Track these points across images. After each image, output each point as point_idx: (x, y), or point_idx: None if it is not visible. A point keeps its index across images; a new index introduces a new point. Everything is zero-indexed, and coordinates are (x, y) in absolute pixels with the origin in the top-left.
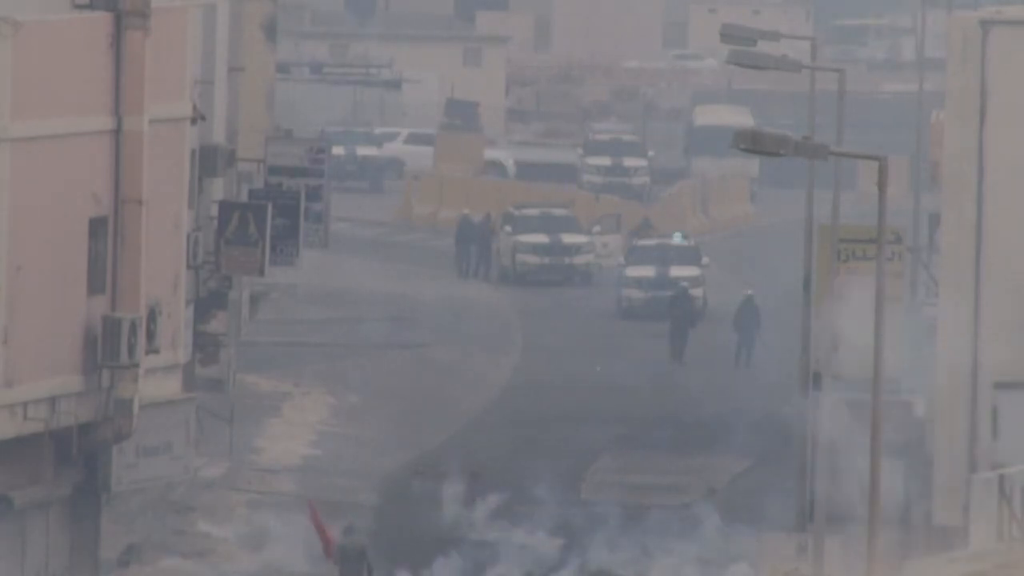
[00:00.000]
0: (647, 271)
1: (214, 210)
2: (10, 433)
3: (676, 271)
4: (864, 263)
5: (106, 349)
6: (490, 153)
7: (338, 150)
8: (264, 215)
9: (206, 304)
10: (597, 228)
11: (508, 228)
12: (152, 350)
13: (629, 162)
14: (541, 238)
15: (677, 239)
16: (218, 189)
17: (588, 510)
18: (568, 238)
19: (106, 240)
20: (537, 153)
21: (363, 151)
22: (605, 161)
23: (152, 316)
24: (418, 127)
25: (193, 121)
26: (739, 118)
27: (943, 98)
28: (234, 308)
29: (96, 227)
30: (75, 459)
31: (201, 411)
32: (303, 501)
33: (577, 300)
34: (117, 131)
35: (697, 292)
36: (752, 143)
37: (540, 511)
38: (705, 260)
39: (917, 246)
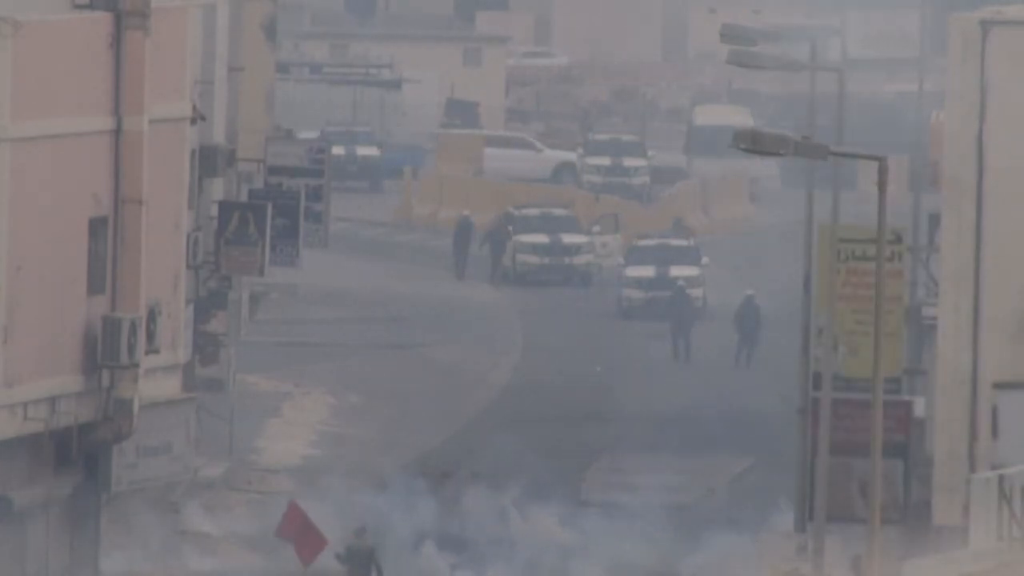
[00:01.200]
0: (647, 271)
1: (214, 210)
2: (10, 433)
3: (676, 271)
4: (864, 263)
5: (106, 349)
6: (563, 155)
7: (338, 150)
8: (264, 215)
9: (206, 304)
10: (597, 228)
11: (508, 228)
12: (152, 350)
13: (629, 162)
14: (541, 238)
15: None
16: (218, 189)
17: (588, 510)
18: (568, 238)
19: (106, 240)
20: None
21: (363, 151)
22: (605, 161)
23: (152, 316)
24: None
25: (193, 121)
26: (739, 118)
27: (914, 97)
28: (234, 308)
29: (96, 227)
30: (75, 459)
31: (201, 411)
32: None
33: (577, 300)
34: (117, 131)
35: (697, 292)
36: (752, 143)
37: (539, 510)
38: (705, 260)
39: (917, 246)
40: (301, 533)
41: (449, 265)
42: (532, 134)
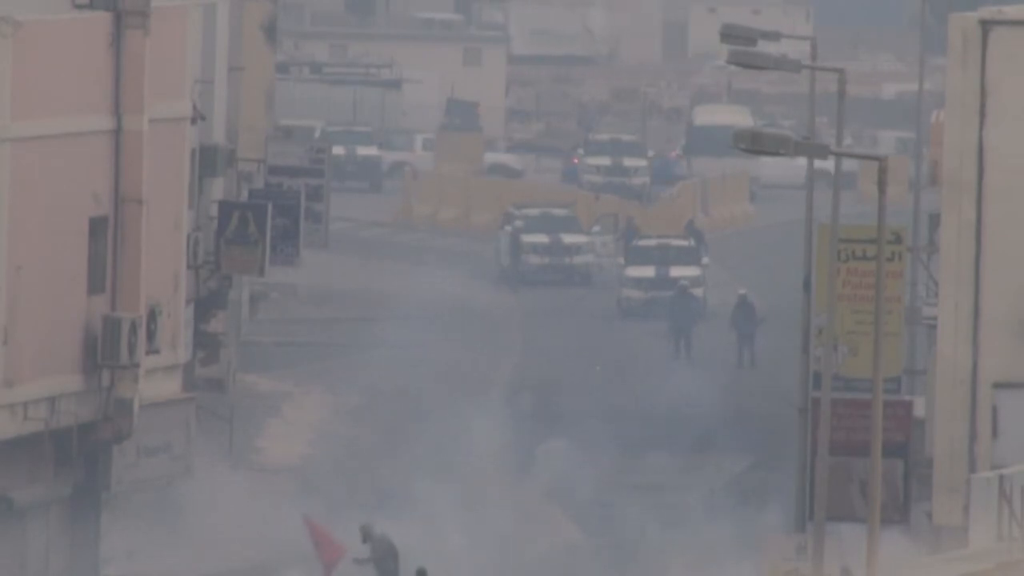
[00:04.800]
0: (647, 271)
1: (214, 210)
2: (10, 433)
3: (676, 271)
4: (864, 263)
5: (106, 349)
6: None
7: (338, 150)
8: (264, 215)
9: (206, 304)
10: (597, 228)
11: (508, 228)
12: (152, 350)
13: (629, 162)
14: (541, 238)
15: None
16: (218, 189)
17: (589, 510)
18: (568, 238)
19: (106, 240)
20: None
21: (363, 151)
22: (605, 161)
23: (152, 316)
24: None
25: (193, 121)
26: (739, 118)
27: (892, 97)
28: (234, 308)
29: (96, 227)
30: (75, 459)
31: (201, 411)
32: (302, 503)
33: (577, 300)
34: (117, 131)
35: (697, 292)
36: (752, 143)
37: (539, 510)
38: (705, 260)
39: (917, 246)
40: (320, 543)
41: (449, 264)
42: (534, 134)
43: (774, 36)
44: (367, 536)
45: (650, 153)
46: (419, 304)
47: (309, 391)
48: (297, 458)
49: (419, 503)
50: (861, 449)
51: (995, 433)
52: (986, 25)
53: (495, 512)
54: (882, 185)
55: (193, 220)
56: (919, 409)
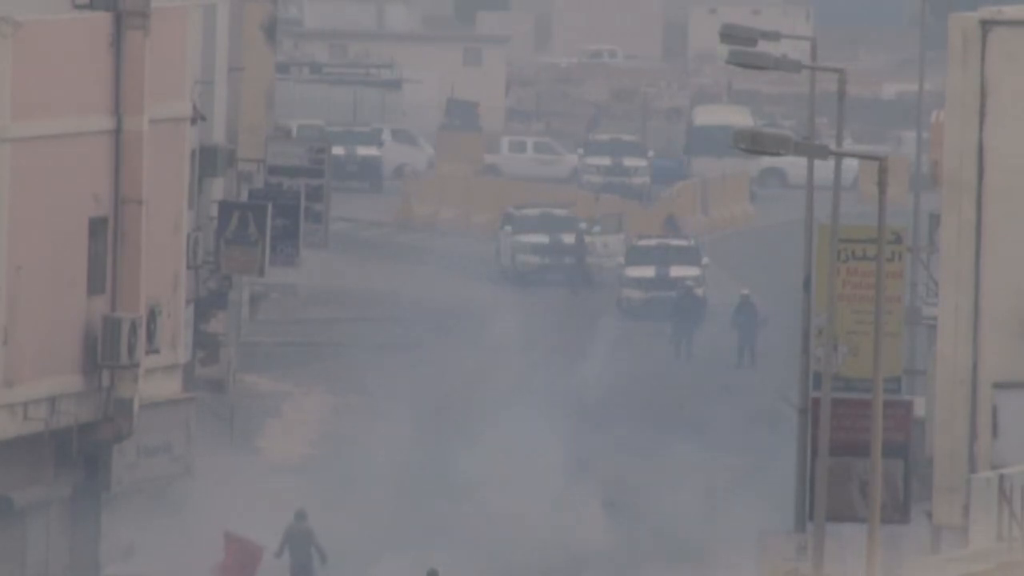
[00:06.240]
0: (647, 271)
1: (214, 210)
2: (10, 433)
3: (676, 271)
4: (864, 263)
5: (106, 349)
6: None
7: (338, 150)
8: (264, 215)
9: (206, 304)
10: (597, 228)
11: (508, 228)
12: (152, 350)
13: (629, 162)
14: (541, 238)
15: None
16: (218, 189)
17: (588, 510)
18: (568, 238)
19: (106, 240)
20: None
21: (363, 151)
22: (605, 161)
23: (152, 316)
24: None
25: (193, 121)
26: (739, 118)
27: (896, 98)
28: (234, 308)
29: (96, 227)
30: (75, 459)
31: (201, 411)
32: (301, 503)
33: (577, 300)
34: (117, 131)
35: (698, 292)
36: (752, 143)
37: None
38: (705, 260)
39: (917, 246)
40: (239, 559)
41: (449, 264)
42: (534, 134)
43: (774, 36)
44: (299, 519)
45: (650, 153)
46: (419, 304)
47: (309, 391)
48: (297, 458)
49: (419, 501)
50: (861, 449)
51: (995, 433)
52: (986, 25)
53: (496, 512)
54: (882, 185)
55: (193, 220)
56: (919, 409)
